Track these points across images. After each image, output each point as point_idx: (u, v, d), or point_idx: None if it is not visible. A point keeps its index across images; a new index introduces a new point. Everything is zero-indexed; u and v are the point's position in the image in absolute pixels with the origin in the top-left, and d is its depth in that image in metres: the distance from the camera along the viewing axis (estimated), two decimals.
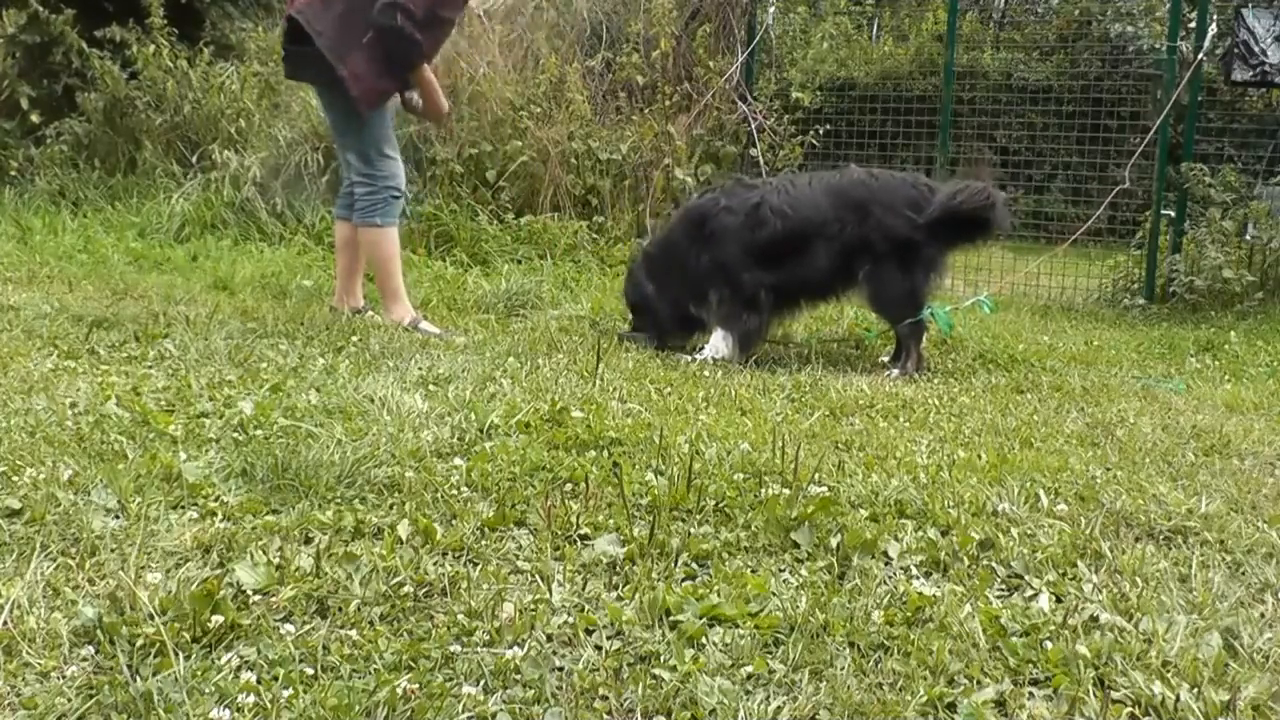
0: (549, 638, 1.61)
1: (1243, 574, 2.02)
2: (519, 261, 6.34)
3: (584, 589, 1.79)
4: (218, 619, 1.54)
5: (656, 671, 1.52)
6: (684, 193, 6.75)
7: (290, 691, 1.40)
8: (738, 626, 1.67)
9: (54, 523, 1.86)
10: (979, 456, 2.71)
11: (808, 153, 7.69)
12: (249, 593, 1.66)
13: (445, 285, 5.52)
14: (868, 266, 4.19)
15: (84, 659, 1.46)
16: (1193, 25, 7.63)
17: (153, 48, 7.68)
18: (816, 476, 2.39)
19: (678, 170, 7.02)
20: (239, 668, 1.46)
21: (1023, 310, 6.68)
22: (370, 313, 4.43)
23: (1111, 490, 2.46)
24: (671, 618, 1.67)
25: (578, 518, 2.07)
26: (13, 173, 7.81)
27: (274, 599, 1.65)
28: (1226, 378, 4.51)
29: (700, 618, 1.67)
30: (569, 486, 2.28)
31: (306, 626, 1.59)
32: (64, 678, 1.41)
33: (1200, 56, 6.95)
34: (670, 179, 6.99)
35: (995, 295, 5.92)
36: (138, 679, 1.40)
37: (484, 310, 4.97)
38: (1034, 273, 7.37)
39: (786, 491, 2.24)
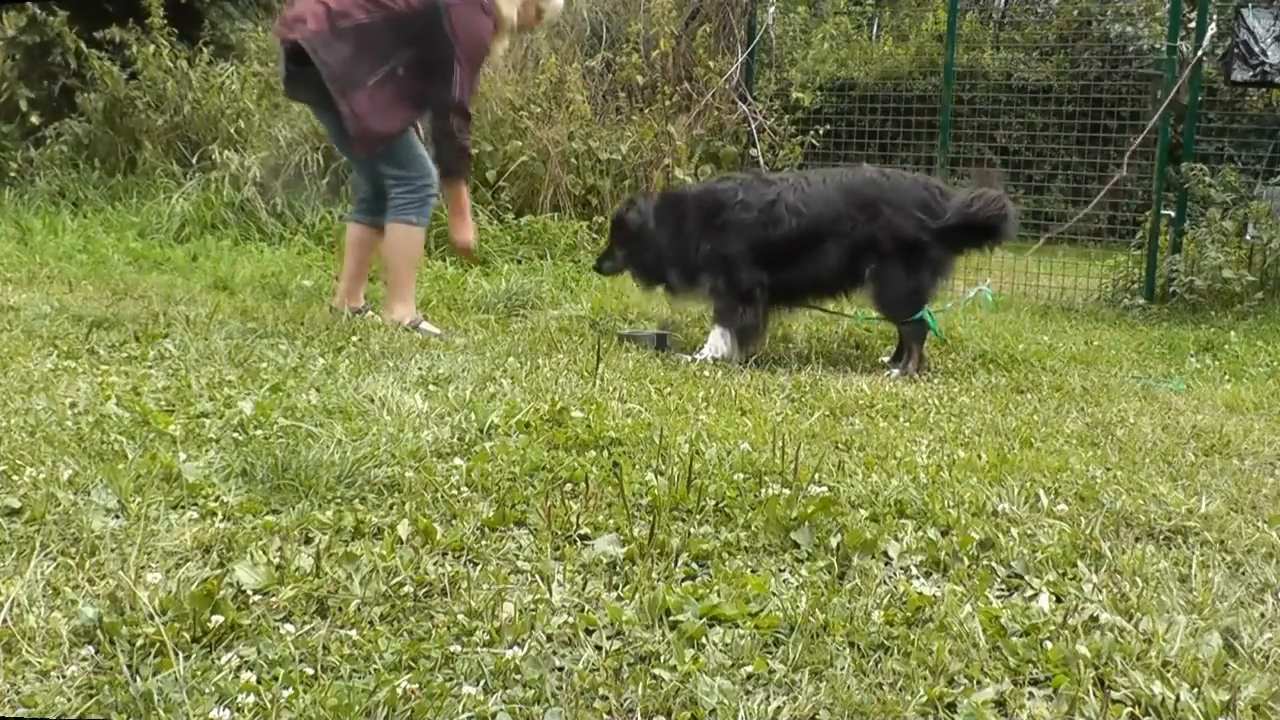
0: (549, 638, 1.61)
1: (1243, 574, 2.02)
2: (519, 261, 6.34)
3: (584, 589, 1.79)
4: (218, 619, 1.54)
5: (656, 671, 1.52)
6: None
7: (290, 691, 1.40)
8: (738, 626, 1.67)
9: (54, 522, 1.86)
10: (979, 456, 2.71)
11: (808, 153, 7.69)
12: (249, 593, 1.66)
13: (445, 285, 5.52)
14: (873, 265, 4.20)
15: (84, 659, 1.46)
16: (1193, 25, 7.62)
17: (152, 48, 7.67)
18: (816, 476, 2.39)
19: (678, 170, 7.02)
20: (239, 668, 1.46)
21: (1023, 310, 6.67)
22: (370, 313, 4.43)
23: (1111, 490, 2.46)
24: (671, 618, 1.67)
25: (578, 518, 2.07)
26: (13, 174, 7.80)
27: (274, 599, 1.65)
28: (1226, 378, 4.51)
29: (700, 618, 1.67)
30: (569, 486, 2.27)
31: (306, 626, 1.59)
32: (64, 677, 1.41)
33: (1200, 56, 6.95)
34: (670, 179, 6.99)
35: (995, 295, 5.92)
36: (138, 679, 1.40)
37: (484, 310, 4.97)
38: (1034, 272, 7.37)
39: (786, 491, 2.24)
